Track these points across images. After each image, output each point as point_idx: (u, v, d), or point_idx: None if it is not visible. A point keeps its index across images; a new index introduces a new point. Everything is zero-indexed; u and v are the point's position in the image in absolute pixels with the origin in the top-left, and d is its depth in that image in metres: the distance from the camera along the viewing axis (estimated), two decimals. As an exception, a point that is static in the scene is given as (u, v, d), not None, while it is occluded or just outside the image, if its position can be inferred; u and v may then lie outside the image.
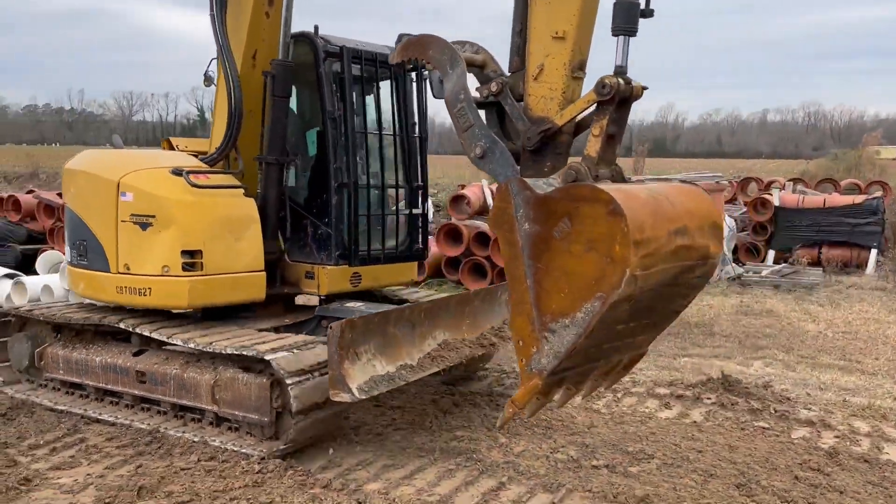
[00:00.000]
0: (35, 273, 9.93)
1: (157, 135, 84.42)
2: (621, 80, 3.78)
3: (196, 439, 4.98)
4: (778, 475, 4.62)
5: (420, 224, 6.41)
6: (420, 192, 6.40)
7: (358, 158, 5.97)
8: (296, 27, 5.91)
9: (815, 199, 13.79)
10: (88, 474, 4.56)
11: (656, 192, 3.71)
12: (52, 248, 11.32)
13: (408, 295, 6.64)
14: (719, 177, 13.20)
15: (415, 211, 6.40)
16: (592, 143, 3.85)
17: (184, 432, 5.09)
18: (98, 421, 5.44)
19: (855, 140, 35.84)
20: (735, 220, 14.03)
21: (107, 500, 4.17)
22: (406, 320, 5.15)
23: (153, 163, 5.70)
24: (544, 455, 4.87)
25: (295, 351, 4.81)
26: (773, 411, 5.86)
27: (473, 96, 4.11)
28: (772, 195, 13.82)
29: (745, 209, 14.34)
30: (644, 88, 3.98)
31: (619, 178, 4.00)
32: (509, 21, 4.28)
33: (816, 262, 13.21)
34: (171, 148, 6.43)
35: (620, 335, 3.84)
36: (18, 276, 9.32)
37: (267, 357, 4.64)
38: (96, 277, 5.63)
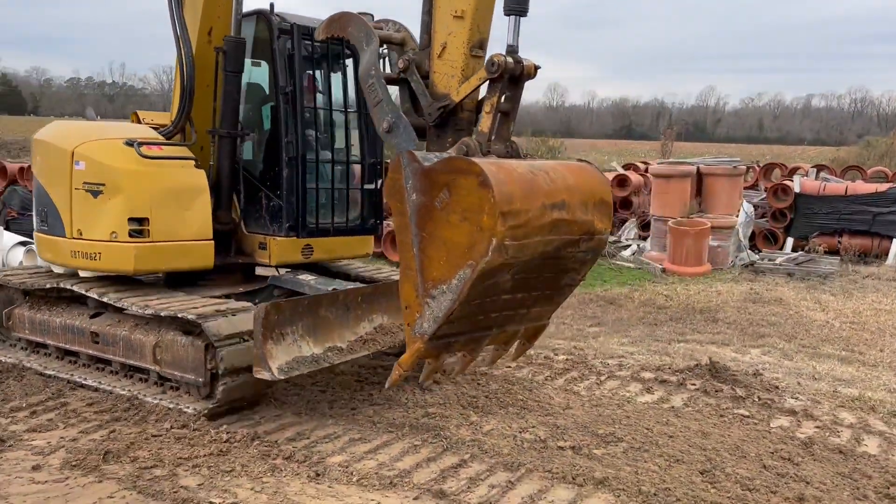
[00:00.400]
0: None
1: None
2: (510, 59, 3.95)
3: (171, 406, 5.08)
4: (746, 463, 4.55)
5: (374, 199, 6.43)
6: (376, 168, 6.42)
7: (311, 133, 6.05)
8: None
9: (836, 186, 13.43)
10: (62, 437, 4.68)
11: (536, 169, 3.84)
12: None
13: (363, 271, 6.72)
14: (738, 161, 12.91)
15: (367, 186, 6.41)
16: (485, 120, 4.03)
17: (160, 400, 5.19)
18: (83, 386, 5.58)
19: (902, 127, 34.88)
20: (755, 207, 13.76)
21: (73, 463, 4.28)
22: (341, 303, 5.27)
23: (108, 134, 5.87)
24: (512, 434, 4.85)
25: (229, 316, 4.98)
26: (756, 399, 5.77)
27: (389, 74, 4.32)
28: (792, 181, 13.50)
29: (764, 195, 14.03)
30: (537, 67, 4.12)
31: (514, 154, 4.16)
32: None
33: (836, 251, 12.91)
34: (138, 121, 6.61)
35: (509, 305, 4.00)
36: (29, 243, 9.53)
37: (200, 321, 4.85)
38: (55, 242, 5.86)
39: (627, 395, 5.81)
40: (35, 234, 6.32)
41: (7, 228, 10.92)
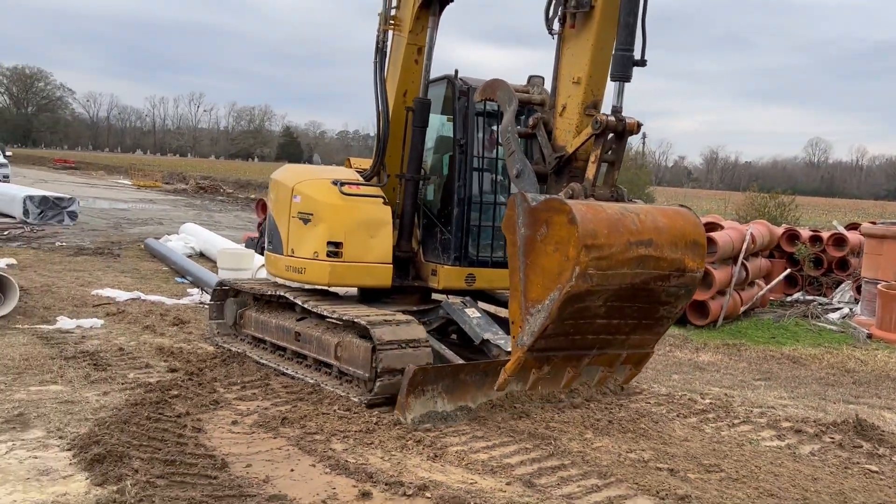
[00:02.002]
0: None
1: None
2: (613, 118, 4.67)
3: (342, 394, 6.24)
4: (842, 507, 4.61)
5: None
6: None
7: (482, 179, 7.03)
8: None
9: None
10: (258, 406, 6.02)
11: (628, 210, 4.47)
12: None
13: None
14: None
15: None
16: (590, 168, 4.77)
17: (335, 388, 6.38)
18: (284, 374, 6.96)
19: None
20: None
21: (260, 423, 5.56)
22: (480, 371, 6.00)
23: (321, 175, 7.22)
24: (618, 452, 5.32)
25: (394, 326, 6.01)
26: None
27: (522, 129, 5.21)
28: None
29: None
30: (639, 125, 4.83)
31: (618, 198, 4.82)
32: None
33: None
34: (350, 166, 7.96)
35: (605, 329, 4.61)
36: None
37: (370, 328, 5.93)
38: (276, 259, 7.31)
39: (754, 439, 5.94)
40: (265, 252, 7.95)
41: (261, 253, 13.24)
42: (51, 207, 19.80)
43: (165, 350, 7.56)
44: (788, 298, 14.01)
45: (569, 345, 4.61)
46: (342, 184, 6.89)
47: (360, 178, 7.23)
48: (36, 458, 4.68)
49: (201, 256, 14.97)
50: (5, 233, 17.08)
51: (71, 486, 4.29)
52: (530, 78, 5.90)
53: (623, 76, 4.69)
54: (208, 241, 15.45)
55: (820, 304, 13.36)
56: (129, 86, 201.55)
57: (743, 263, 11.66)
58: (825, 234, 14.55)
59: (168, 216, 25.23)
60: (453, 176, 6.98)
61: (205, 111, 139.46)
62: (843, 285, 13.74)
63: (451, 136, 7.34)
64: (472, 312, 6.95)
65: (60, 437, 5.02)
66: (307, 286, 7.07)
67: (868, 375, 8.81)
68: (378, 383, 5.92)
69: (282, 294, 7.27)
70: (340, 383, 6.51)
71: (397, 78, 7.18)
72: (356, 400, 6.08)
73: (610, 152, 4.76)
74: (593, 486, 4.70)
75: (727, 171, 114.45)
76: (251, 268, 11.75)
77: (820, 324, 12.03)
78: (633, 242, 4.31)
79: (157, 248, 14.99)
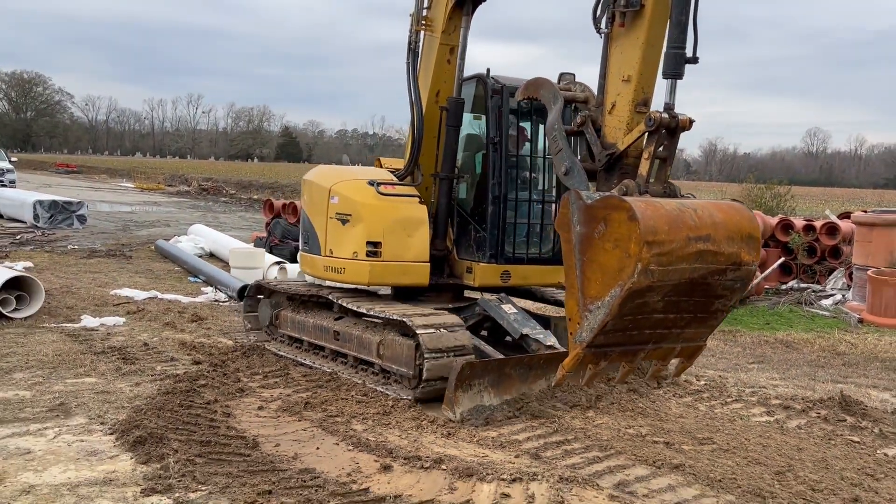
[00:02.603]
0: (296, 262, 12.62)
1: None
2: (666, 115, 4.66)
3: (358, 381, 6.65)
4: (824, 472, 5.02)
5: None
6: None
7: (516, 177, 7.15)
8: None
9: None
10: (281, 393, 6.43)
11: (686, 206, 4.47)
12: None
13: (559, 295, 7.72)
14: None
15: None
16: (643, 165, 4.76)
17: (352, 376, 6.79)
18: (302, 364, 7.37)
19: None
20: None
21: (284, 408, 5.97)
22: (525, 364, 6.25)
23: (357, 175, 7.41)
24: (618, 428, 5.74)
25: (441, 330, 6.16)
26: (877, 431, 6.01)
27: (568, 127, 5.20)
28: None
29: None
30: (692, 121, 4.84)
31: (671, 194, 4.83)
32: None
33: None
34: (381, 166, 8.13)
35: (662, 324, 4.61)
36: (283, 262, 12.02)
37: (417, 330, 6.07)
38: (313, 259, 7.44)
39: (745, 415, 6.35)
40: (300, 253, 8.02)
41: (270, 252, 13.67)
42: (60, 211, 20.20)
43: (188, 345, 7.97)
44: (783, 286, 14.40)
45: (626, 340, 4.58)
46: (379, 184, 7.03)
47: (395, 178, 7.35)
48: (83, 441, 5.09)
49: (211, 256, 15.36)
50: (18, 237, 17.49)
51: (118, 465, 4.71)
52: (562, 75, 5.84)
53: (676, 74, 4.69)
54: (217, 241, 15.85)
55: (814, 291, 13.75)
56: (127, 89, 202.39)
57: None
58: (818, 224, 14.94)
59: (174, 218, 25.63)
60: (487, 174, 7.10)
61: (203, 113, 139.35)
62: (835, 273, 14.13)
63: (480, 134, 7.49)
64: (508, 308, 7.02)
65: (102, 423, 5.43)
66: (347, 286, 7.24)
67: (857, 357, 9.22)
68: (422, 388, 6.06)
69: (322, 294, 7.37)
70: (356, 371, 6.90)
71: (430, 78, 7.31)
72: (405, 397, 6.18)
73: (662, 149, 4.73)
74: (595, 458, 5.11)
75: (726, 163, 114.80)
76: (262, 266, 12.16)
77: (813, 310, 12.43)
78: (692, 238, 4.28)
79: (168, 250, 15.39)
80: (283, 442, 5.23)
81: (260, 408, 5.98)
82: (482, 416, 5.83)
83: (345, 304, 7.03)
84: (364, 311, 6.79)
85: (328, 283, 7.43)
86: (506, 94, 6.98)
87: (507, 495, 4.44)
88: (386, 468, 4.79)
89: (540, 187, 7.44)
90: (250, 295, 8.52)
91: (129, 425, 5.28)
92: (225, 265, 13.64)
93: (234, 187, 45.91)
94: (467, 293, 7.74)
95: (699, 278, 4.42)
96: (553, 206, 7.38)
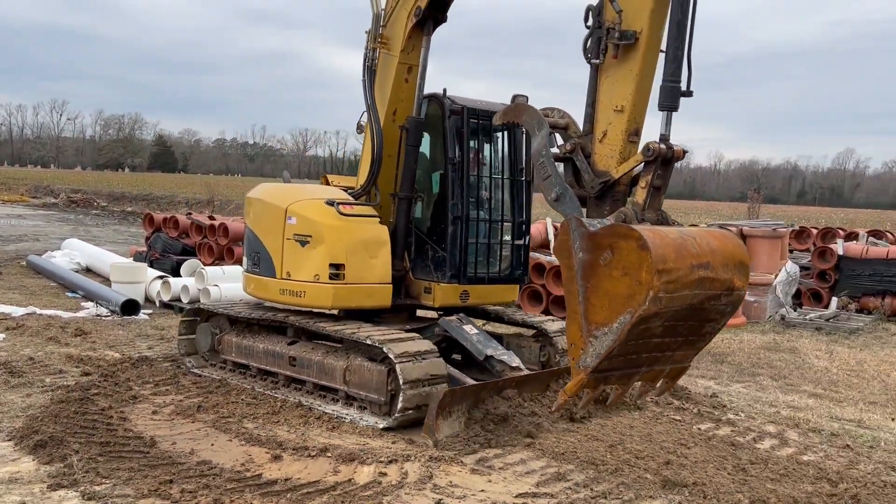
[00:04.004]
0: (178, 275, 12.82)
1: (328, 169, 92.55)
2: (663, 146, 4.80)
3: (246, 386, 7.16)
4: (647, 444, 6.04)
5: (521, 253, 7.54)
6: (523, 226, 7.54)
7: (472, 196, 7.21)
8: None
9: (879, 250, 14.18)
10: (174, 398, 6.85)
11: (686, 234, 4.62)
12: (197, 259, 14.26)
13: (515, 315, 7.95)
14: (780, 224, 13.99)
15: (517, 242, 7.52)
16: (640, 193, 4.87)
17: (242, 381, 7.29)
18: (191, 372, 7.77)
19: None
20: (803, 268, 14.66)
21: (178, 412, 6.41)
22: (499, 388, 6.38)
23: (314, 194, 7.20)
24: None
25: (416, 361, 6.14)
26: (697, 411, 7.15)
27: (555, 152, 5.19)
28: (835, 245, 14.37)
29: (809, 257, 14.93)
30: (685, 152, 4.99)
31: (664, 221, 4.94)
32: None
33: (890, 312, 13.60)
34: (328, 183, 7.94)
35: (658, 347, 4.72)
36: (165, 276, 12.20)
37: (388, 353, 6.06)
38: (266, 282, 7.18)
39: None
40: (245, 274, 7.61)
41: (151, 266, 13.74)
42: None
43: (75, 358, 8.16)
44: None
45: (626, 364, 4.67)
46: (338, 204, 6.90)
47: (350, 198, 7.24)
48: (-19, 448, 5.36)
49: (88, 272, 15.17)
50: None
51: (22, 466, 5.05)
52: (515, 97, 5.93)
53: (672, 106, 4.82)
54: (94, 255, 15.66)
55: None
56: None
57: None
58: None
59: (43, 232, 24.67)
60: (446, 194, 7.11)
61: (69, 119, 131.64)
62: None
63: (432, 154, 7.55)
64: (470, 329, 7.06)
65: (-2, 432, 5.70)
66: (304, 309, 7.11)
67: (702, 354, 10.54)
68: (399, 417, 6.02)
69: (275, 318, 7.19)
70: (234, 374, 7.30)
71: (387, 97, 7.24)
72: (377, 425, 6.09)
73: (656, 177, 4.85)
74: (460, 440, 5.90)
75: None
76: (145, 280, 12.29)
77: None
78: (694, 265, 4.41)
79: (41, 265, 15.07)
80: (179, 440, 5.70)
81: (154, 412, 6.39)
82: (457, 446, 5.75)
83: (300, 325, 6.89)
84: (335, 335, 6.64)
85: (287, 307, 7.23)
86: (466, 115, 7.10)
87: (384, 474, 5.15)
88: (276, 458, 5.38)
89: (492, 207, 7.51)
90: (186, 318, 8.19)
91: (27, 431, 5.59)
92: (104, 280, 13.59)
93: (105, 199, 44.20)
94: (420, 313, 7.81)
95: (697, 304, 4.55)
96: (502, 225, 7.50)
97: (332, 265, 6.66)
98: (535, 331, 7.76)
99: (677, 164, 5.15)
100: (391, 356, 6.03)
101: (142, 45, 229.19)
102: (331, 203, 6.86)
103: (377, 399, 6.21)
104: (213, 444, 5.65)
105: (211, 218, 16.21)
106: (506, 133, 7.47)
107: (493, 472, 5.32)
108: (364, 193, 7.32)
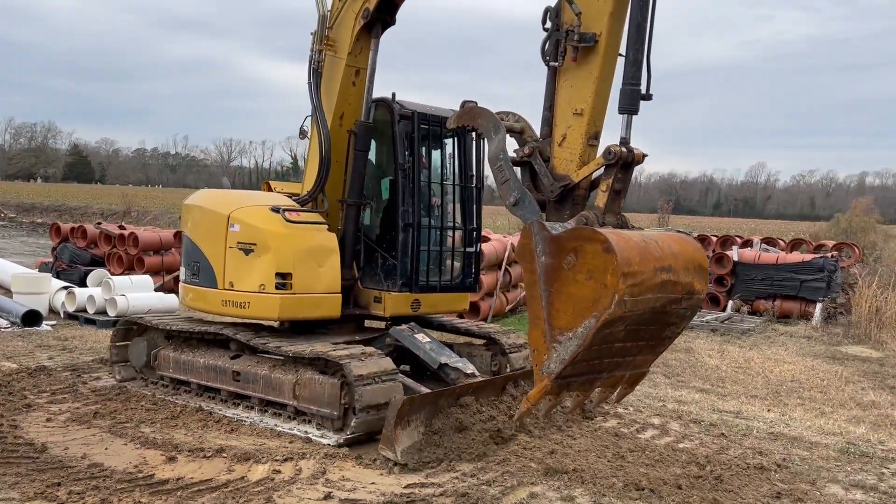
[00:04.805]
0: (85, 286, 12.55)
1: (253, 180, 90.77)
2: (624, 149, 4.76)
3: (147, 393, 7.15)
4: (534, 437, 6.35)
5: (472, 261, 7.41)
6: (474, 233, 7.41)
7: (422, 203, 7.02)
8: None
9: (770, 256, 15.13)
10: (70, 406, 6.78)
11: (648, 238, 4.58)
12: (106, 269, 13.97)
13: (466, 325, 7.88)
14: (688, 233, 14.70)
15: (468, 249, 7.40)
16: (600, 197, 4.82)
17: (141, 389, 7.27)
18: (95, 381, 7.69)
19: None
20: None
21: (73, 419, 6.37)
22: (456, 395, 6.15)
23: (256, 201, 6.92)
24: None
25: (364, 360, 5.95)
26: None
27: (511, 156, 5.09)
28: (731, 251, 15.23)
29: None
30: (644, 155, 4.92)
31: (623, 225, 4.90)
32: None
33: (779, 313, 14.49)
34: (270, 189, 7.65)
35: (620, 352, 4.66)
36: (71, 287, 11.94)
37: (342, 362, 5.82)
38: (206, 293, 6.81)
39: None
40: (183, 284, 7.20)
41: (57, 277, 13.38)
42: None
43: (-32, 368, 7.96)
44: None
45: (588, 370, 4.59)
46: (284, 210, 6.64)
47: (295, 204, 6.95)
48: None
49: (-11, 283, 14.63)
50: None
51: None
52: (465, 103, 5.65)
53: (631, 109, 4.79)
54: (-4, 267, 15.11)
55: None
56: None
57: (507, 269, 13.70)
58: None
59: (-58, 244, 23.56)
60: (396, 200, 6.90)
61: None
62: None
63: (379, 159, 7.36)
64: (422, 338, 6.91)
65: None
66: (248, 321, 6.86)
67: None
68: (355, 421, 5.78)
69: (214, 331, 6.89)
70: (141, 381, 7.25)
71: (334, 100, 7.04)
72: (330, 443, 5.84)
73: (616, 181, 4.81)
74: (356, 439, 6.08)
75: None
76: (48, 291, 11.97)
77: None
78: (658, 268, 4.37)
79: (-62, 277, 14.45)
80: (72, 446, 5.69)
81: (48, 420, 6.33)
82: (417, 455, 5.56)
83: (245, 341, 6.55)
84: (282, 352, 6.33)
85: (226, 318, 6.96)
86: (417, 120, 6.94)
87: (278, 471, 5.28)
88: (171, 459, 5.45)
89: (443, 214, 7.36)
90: (118, 334, 7.66)
91: None
92: (6, 291, 13.16)
93: (13, 210, 42.39)
94: (368, 323, 7.59)
95: (660, 307, 4.50)
96: (454, 232, 7.38)
97: (278, 274, 6.37)
98: (486, 340, 7.69)
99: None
100: (351, 376, 5.76)
101: (57, 52, 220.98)
102: (276, 210, 6.61)
103: (330, 413, 5.93)
104: (107, 449, 5.65)
105: (121, 227, 15.87)
106: (455, 139, 7.38)
107: (386, 466, 5.52)
108: (311, 200, 7.07)
